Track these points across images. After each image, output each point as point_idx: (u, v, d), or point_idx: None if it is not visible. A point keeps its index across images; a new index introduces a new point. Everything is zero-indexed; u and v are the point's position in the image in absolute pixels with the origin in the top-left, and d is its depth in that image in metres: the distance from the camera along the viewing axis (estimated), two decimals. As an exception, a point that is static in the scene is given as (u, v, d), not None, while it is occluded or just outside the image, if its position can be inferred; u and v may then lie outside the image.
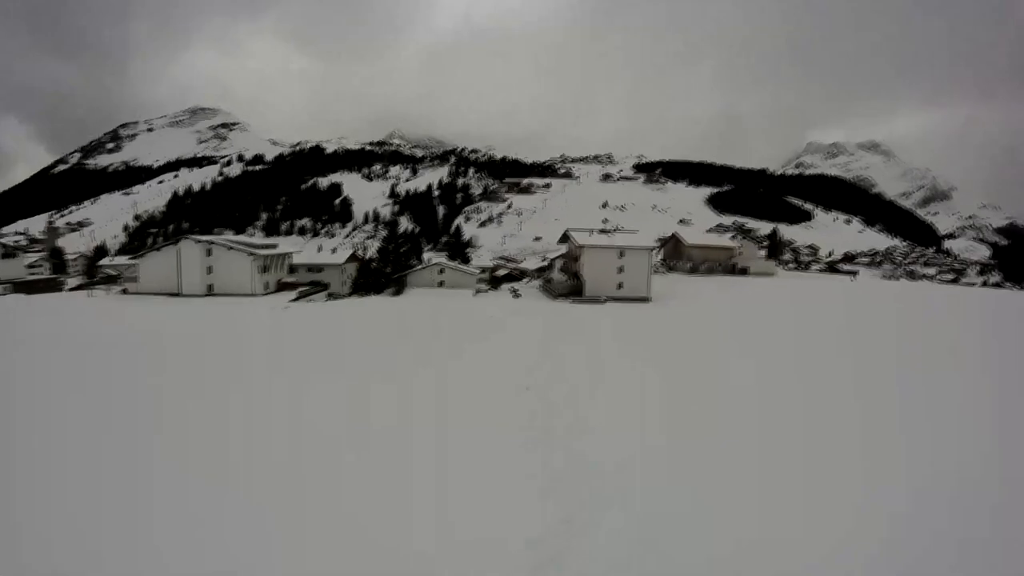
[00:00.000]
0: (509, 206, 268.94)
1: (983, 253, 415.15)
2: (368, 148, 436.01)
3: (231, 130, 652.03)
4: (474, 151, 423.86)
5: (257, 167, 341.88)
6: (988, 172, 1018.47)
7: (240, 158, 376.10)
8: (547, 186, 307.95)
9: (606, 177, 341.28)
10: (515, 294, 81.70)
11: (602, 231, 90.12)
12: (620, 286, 76.37)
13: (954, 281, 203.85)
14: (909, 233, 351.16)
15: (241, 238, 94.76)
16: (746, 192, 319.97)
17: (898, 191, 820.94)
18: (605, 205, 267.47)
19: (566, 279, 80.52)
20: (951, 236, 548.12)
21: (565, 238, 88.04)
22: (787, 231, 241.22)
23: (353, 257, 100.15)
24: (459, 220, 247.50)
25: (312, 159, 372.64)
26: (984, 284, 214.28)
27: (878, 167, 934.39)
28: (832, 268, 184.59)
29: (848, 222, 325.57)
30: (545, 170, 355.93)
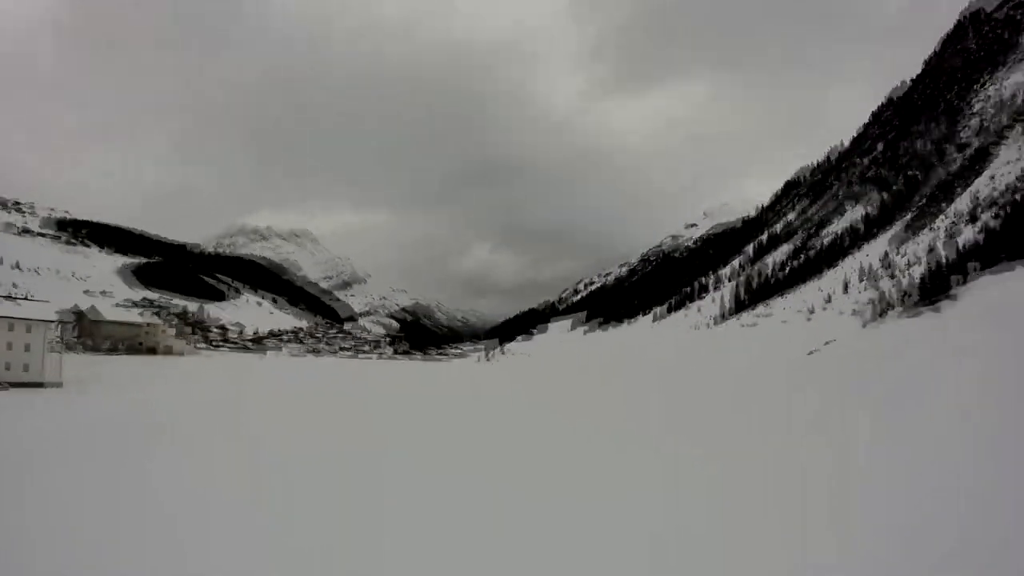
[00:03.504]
0: None
1: (392, 327, 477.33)
2: None
3: None
4: None
5: None
6: (397, 264, 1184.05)
7: None
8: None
9: (20, 231, 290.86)
10: None
11: (5, 297, 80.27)
12: (16, 367, 66.32)
13: (355, 355, 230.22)
14: (328, 312, 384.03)
15: None
16: (174, 266, 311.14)
17: (321, 275, 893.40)
18: (15, 266, 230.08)
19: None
20: (366, 314, 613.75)
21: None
22: (209, 309, 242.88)
23: None
24: None
25: None
26: (393, 355, 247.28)
27: (302, 254, 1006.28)
28: (247, 347, 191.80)
29: (268, 302, 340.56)
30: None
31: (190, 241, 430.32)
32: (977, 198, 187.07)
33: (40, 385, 66.69)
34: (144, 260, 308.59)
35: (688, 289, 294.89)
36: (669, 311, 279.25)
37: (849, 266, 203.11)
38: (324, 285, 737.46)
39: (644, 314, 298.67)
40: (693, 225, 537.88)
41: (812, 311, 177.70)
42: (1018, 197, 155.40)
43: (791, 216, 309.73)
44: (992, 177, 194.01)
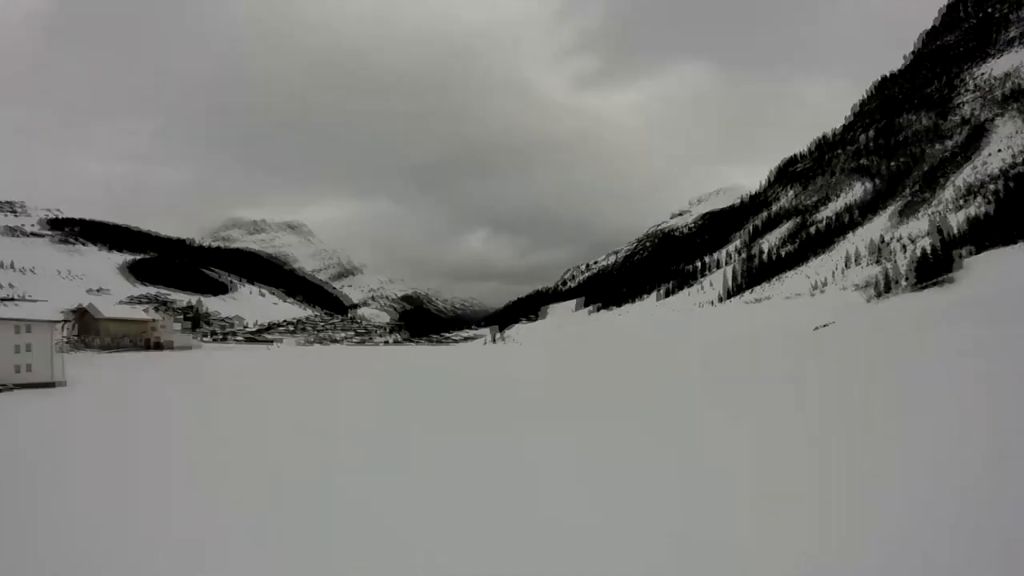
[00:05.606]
0: None
1: (390, 317, 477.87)
2: None
3: None
4: None
5: None
6: (391, 254, 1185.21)
7: None
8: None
9: (12, 231, 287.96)
10: None
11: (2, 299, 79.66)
12: (23, 369, 65.93)
13: (363, 342, 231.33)
14: (325, 303, 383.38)
15: None
16: (169, 261, 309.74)
17: (315, 267, 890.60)
18: (11, 266, 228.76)
19: (-52, 362, 68.15)
20: (363, 305, 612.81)
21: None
22: (210, 303, 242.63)
23: None
24: None
25: None
26: (396, 342, 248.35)
27: (298, 245, 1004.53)
28: (253, 339, 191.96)
29: (268, 294, 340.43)
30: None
31: (184, 236, 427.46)
32: (967, 183, 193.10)
33: (51, 385, 66.09)
34: (140, 256, 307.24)
35: (690, 267, 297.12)
36: (671, 291, 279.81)
37: (844, 248, 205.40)
38: (320, 277, 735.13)
39: (645, 295, 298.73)
40: (681, 213, 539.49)
41: (816, 287, 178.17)
42: (1011, 184, 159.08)
43: (782, 202, 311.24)
44: (984, 163, 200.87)
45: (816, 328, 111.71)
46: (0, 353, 65.23)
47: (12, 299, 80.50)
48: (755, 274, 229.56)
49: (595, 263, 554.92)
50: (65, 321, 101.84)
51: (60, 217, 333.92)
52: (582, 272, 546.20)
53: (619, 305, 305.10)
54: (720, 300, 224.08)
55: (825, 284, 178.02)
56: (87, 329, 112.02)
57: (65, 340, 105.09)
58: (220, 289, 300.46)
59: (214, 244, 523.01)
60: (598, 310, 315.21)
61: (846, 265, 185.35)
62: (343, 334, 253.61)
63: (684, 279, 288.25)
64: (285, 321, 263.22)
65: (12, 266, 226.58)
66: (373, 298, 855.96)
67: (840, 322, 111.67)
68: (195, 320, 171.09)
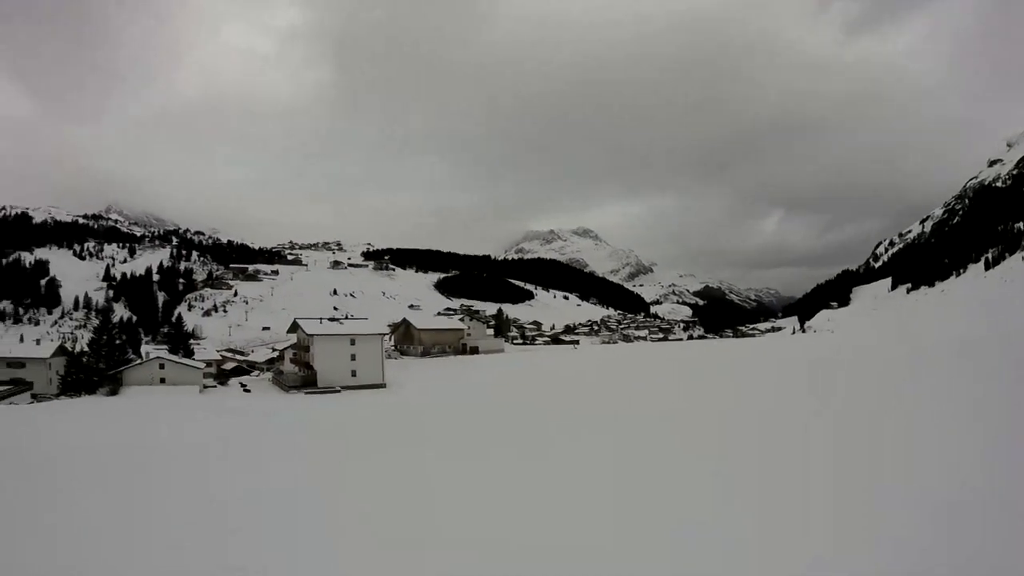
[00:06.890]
0: (235, 294, 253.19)
1: (686, 313, 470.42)
2: (82, 221, 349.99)
3: None
4: (198, 233, 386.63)
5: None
6: (681, 249, 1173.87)
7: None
8: (275, 273, 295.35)
9: (335, 264, 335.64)
10: (245, 389, 77.42)
11: (332, 319, 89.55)
12: (354, 374, 75.46)
13: (663, 339, 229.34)
14: (620, 303, 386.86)
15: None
16: (472, 276, 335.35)
17: (608, 269, 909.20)
18: (335, 293, 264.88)
19: (298, 370, 78.40)
20: (657, 302, 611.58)
21: (295, 327, 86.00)
22: (512, 310, 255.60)
23: (62, 350, 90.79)
24: (181, 308, 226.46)
25: (16, 229, 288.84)
26: (690, 337, 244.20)
27: (589, 250, 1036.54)
28: (556, 340, 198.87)
29: (566, 298, 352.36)
30: (273, 256, 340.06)
31: (485, 252, 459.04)
32: None
33: (379, 386, 73.19)
34: (447, 275, 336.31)
35: (1020, 226, 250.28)
36: (998, 259, 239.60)
37: None
38: (612, 279, 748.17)
39: (971, 264, 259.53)
40: (997, 161, 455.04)
41: None
42: None
43: None
44: None
45: None
46: (339, 361, 75.10)
47: (337, 319, 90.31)
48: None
49: (908, 232, 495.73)
50: (389, 334, 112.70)
51: (372, 249, 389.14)
52: (893, 245, 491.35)
53: (942, 279, 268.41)
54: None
55: None
56: (407, 339, 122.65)
57: (394, 348, 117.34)
58: (521, 296, 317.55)
59: (512, 256, 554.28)
60: (916, 287, 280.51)
61: None
62: (641, 332, 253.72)
63: (1013, 242, 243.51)
64: (590, 321, 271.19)
65: (339, 292, 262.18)
66: (673, 293, 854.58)
67: None
68: (500, 326, 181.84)
